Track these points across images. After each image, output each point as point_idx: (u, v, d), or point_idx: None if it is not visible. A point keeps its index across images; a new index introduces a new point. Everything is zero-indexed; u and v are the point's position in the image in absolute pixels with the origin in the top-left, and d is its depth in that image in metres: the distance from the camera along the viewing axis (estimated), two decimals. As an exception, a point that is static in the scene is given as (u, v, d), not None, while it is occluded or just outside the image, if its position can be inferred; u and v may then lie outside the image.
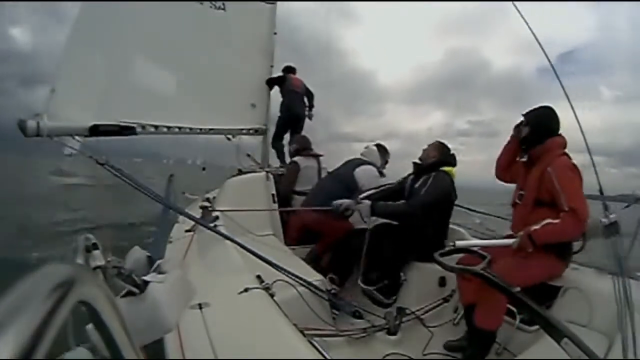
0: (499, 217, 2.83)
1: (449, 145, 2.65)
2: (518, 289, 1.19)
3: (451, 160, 2.59)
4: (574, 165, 1.72)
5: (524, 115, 1.86)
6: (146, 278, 0.96)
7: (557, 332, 1.00)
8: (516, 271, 1.64)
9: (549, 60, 1.63)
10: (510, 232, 1.96)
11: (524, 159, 1.90)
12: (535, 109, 1.85)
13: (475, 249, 1.64)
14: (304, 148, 3.37)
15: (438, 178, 2.46)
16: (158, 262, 1.10)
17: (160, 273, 1.03)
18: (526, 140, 1.85)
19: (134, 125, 2.56)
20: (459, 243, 1.62)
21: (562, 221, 1.63)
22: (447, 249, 1.52)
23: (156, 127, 2.85)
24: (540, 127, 1.81)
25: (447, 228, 2.58)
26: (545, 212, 1.71)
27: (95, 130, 2.29)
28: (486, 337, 1.68)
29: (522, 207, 1.86)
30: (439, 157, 2.57)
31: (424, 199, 2.37)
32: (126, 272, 0.94)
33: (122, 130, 2.46)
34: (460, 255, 1.74)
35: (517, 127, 1.94)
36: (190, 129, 3.19)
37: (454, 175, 2.55)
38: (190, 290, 1.16)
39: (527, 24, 1.58)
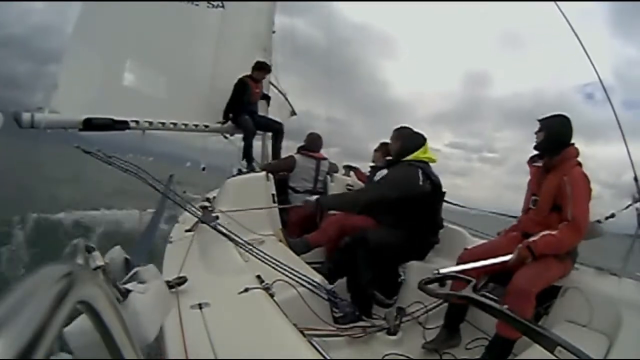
0: (494, 213, 2.80)
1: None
2: (506, 306, 1.21)
3: (417, 143, 2.39)
4: (587, 178, 1.80)
5: (539, 121, 1.90)
6: (128, 287, 0.95)
7: (549, 342, 1.01)
8: (537, 276, 1.68)
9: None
10: (507, 230, 2.08)
11: (539, 164, 1.94)
12: (551, 117, 1.89)
13: (467, 266, 1.67)
14: (305, 148, 3.37)
15: (395, 169, 2.35)
16: (136, 269, 1.07)
17: (140, 282, 1.01)
18: (541, 146, 1.90)
19: (127, 120, 2.57)
20: (444, 270, 1.63)
21: (560, 232, 1.70)
22: (431, 277, 1.53)
23: (150, 122, 2.86)
24: (554, 135, 1.85)
25: (432, 220, 2.40)
26: (557, 217, 1.77)
27: (89, 124, 2.30)
28: (506, 345, 1.67)
29: (535, 211, 1.90)
30: (401, 146, 2.42)
31: (370, 187, 2.35)
32: (110, 278, 0.92)
33: (115, 124, 2.46)
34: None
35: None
36: (185, 125, 3.20)
37: (429, 158, 2.39)
38: (168, 304, 1.15)
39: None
